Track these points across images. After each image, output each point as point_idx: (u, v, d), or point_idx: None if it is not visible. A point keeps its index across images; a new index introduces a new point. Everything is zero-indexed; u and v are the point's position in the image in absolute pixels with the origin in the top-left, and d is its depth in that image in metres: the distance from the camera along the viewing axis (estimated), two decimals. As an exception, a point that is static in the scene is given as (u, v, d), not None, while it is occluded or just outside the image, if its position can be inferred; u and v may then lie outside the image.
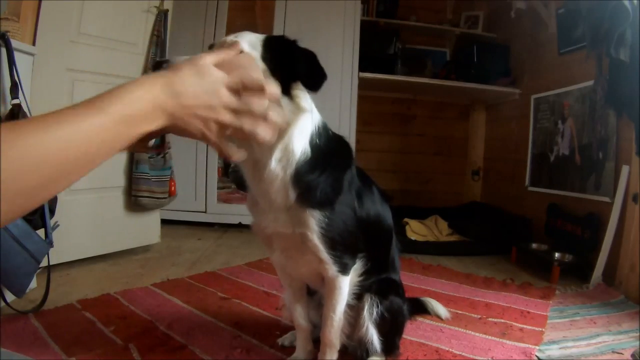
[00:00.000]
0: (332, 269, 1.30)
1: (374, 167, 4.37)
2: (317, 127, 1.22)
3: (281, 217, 1.24)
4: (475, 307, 2.17)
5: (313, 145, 1.20)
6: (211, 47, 1.19)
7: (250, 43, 1.09)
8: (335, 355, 1.44)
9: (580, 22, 2.92)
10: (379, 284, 1.47)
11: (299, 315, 1.52)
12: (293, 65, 1.10)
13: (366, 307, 1.43)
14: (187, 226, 3.73)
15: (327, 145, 1.24)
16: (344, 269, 1.32)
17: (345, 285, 1.36)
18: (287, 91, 1.11)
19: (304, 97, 1.16)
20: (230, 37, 1.10)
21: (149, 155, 2.82)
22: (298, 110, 1.14)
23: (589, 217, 2.87)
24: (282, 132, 1.12)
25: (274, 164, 1.16)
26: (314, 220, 1.21)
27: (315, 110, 1.22)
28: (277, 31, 3.78)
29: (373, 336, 1.42)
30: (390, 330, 1.48)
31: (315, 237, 1.23)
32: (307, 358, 1.54)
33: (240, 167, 1.24)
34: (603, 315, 2.13)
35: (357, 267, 1.37)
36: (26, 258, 1.72)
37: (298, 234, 1.23)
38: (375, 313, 1.43)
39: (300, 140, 1.17)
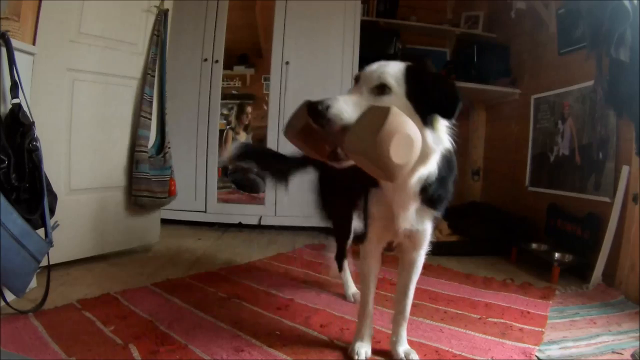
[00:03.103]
0: (422, 253, 1.56)
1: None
2: (449, 147, 1.35)
3: (410, 218, 1.42)
4: (475, 307, 2.17)
5: (438, 166, 1.33)
6: (357, 79, 1.28)
7: (395, 78, 1.20)
8: (405, 329, 1.63)
9: (580, 22, 2.92)
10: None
11: (371, 301, 1.63)
12: (431, 97, 1.18)
13: None
14: (187, 226, 3.73)
15: (445, 164, 1.36)
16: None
17: (421, 266, 1.59)
18: (428, 121, 1.21)
19: (442, 128, 1.27)
20: (377, 71, 1.21)
21: (148, 155, 2.82)
22: (438, 142, 1.26)
23: (589, 217, 2.87)
24: (424, 160, 1.25)
25: (414, 182, 1.31)
26: (431, 218, 1.46)
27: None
28: (277, 31, 3.78)
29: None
30: None
31: (429, 229, 1.48)
32: (369, 343, 1.63)
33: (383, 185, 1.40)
34: (603, 316, 2.13)
35: None
36: (26, 257, 1.72)
37: (420, 229, 1.46)
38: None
39: (434, 165, 1.31)
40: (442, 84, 1.22)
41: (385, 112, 1.07)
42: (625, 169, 2.60)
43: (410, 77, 1.19)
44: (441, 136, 1.27)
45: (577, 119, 3.11)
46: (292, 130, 1.33)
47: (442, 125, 1.28)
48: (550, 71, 3.50)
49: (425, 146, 1.20)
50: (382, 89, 1.21)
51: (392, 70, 1.22)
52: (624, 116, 2.60)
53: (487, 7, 4.47)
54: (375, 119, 1.08)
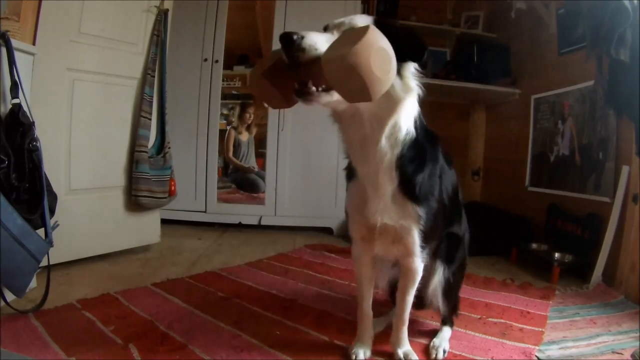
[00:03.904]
0: (416, 260, 1.45)
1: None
2: (417, 112, 1.30)
3: (388, 208, 1.33)
4: (475, 307, 2.17)
5: (415, 127, 1.29)
6: (326, 29, 1.26)
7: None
8: (406, 331, 1.60)
9: (580, 22, 2.92)
10: (447, 246, 1.66)
11: (368, 305, 1.62)
12: (399, 46, 1.12)
13: (436, 274, 1.65)
14: (187, 226, 3.73)
15: (424, 132, 1.33)
16: (424, 258, 1.47)
17: (421, 270, 1.50)
18: (397, 71, 1.16)
19: (411, 77, 1.23)
20: (347, 20, 1.22)
21: (148, 155, 2.82)
22: (407, 89, 1.22)
23: (589, 217, 2.87)
24: (393, 109, 1.21)
25: (384, 141, 1.25)
26: (415, 215, 1.34)
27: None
28: (277, 31, 3.79)
29: (439, 298, 1.67)
30: (453, 292, 1.74)
31: (414, 230, 1.36)
32: (369, 344, 1.63)
33: (349, 148, 1.35)
34: (603, 316, 2.13)
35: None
36: (26, 257, 1.72)
37: (400, 226, 1.35)
38: (443, 279, 1.65)
39: (406, 120, 1.26)
40: (408, 33, 1.20)
41: (365, 28, 1.04)
42: (625, 169, 2.60)
43: (378, 26, 1.11)
44: (409, 84, 1.23)
45: (577, 119, 3.11)
46: (257, 72, 1.25)
47: (410, 74, 1.24)
48: (550, 71, 3.50)
49: (393, 92, 1.18)
50: (339, 25, 1.22)
51: (362, 19, 1.22)
52: (624, 116, 2.60)
53: (487, 7, 4.47)
54: (355, 34, 1.05)
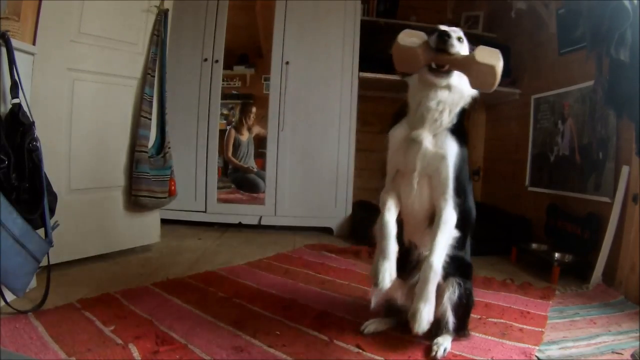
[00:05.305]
0: (448, 203, 1.59)
1: (374, 166, 4.36)
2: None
3: (430, 143, 1.60)
4: (475, 307, 2.16)
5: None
6: (432, 32, 1.57)
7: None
8: (435, 283, 1.55)
9: (580, 22, 2.91)
10: (459, 268, 1.69)
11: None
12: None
13: (448, 292, 1.66)
14: (187, 226, 3.73)
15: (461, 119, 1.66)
16: (454, 206, 1.59)
17: (453, 220, 1.59)
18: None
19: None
20: (453, 29, 1.59)
21: (149, 155, 2.83)
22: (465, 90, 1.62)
23: (589, 217, 2.87)
24: (459, 98, 1.62)
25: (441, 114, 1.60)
26: (451, 151, 1.59)
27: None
28: (277, 31, 3.79)
29: (449, 317, 1.65)
30: (464, 312, 1.72)
31: (449, 164, 1.58)
32: (390, 286, 1.59)
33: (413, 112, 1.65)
34: (603, 316, 2.13)
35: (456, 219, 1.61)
36: (26, 257, 1.72)
37: (440, 155, 1.58)
38: (455, 297, 1.66)
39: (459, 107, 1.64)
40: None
41: (497, 51, 1.53)
42: (625, 169, 2.60)
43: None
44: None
45: (577, 119, 3.11)
46: (406, 44, 1.57)
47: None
48: (550, 71, 3.50)
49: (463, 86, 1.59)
50: (460, 39, 1.59)
51: (457, 31, 1.61)
52: (624, 116, 2.59)
53: (487, 7, 4.47)
54: (495, 53, 1.53)
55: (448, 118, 1.61)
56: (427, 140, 1.59)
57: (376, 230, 1.67)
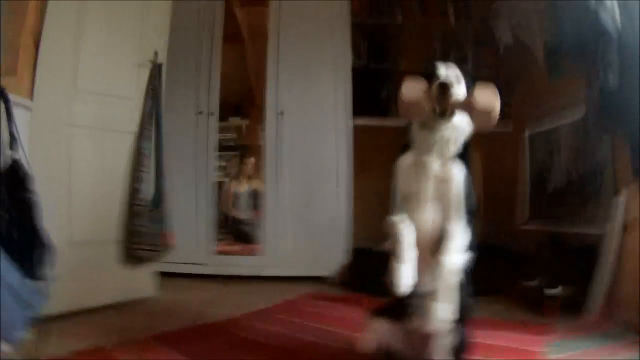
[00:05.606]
0: (456, 221, 1.59)
1: (374, 213, 4.28)
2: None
3: (439, 167, 1.63)
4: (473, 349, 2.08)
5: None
6: (432, 73, 1.64)
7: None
8: (448, 281, 1.53)
9: (567, 49, 2.96)
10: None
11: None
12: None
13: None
14: (186, 278, 3.65)
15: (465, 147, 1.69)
16: (462, 223, 1.59)
17: (460, 236, 1.57)
18: None
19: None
20: (451, 67, 1.65)
21: (148, 208, 2.81)
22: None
23: (586, 248, 2.78)
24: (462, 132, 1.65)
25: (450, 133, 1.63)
26: (459, 175, 1.61)
27: None
28: (270, 81, 3.86)
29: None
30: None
31: (459, 187, 1.60)
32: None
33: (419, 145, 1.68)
34: (602, 347, 2.07)
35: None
36: (22, 310, 1.67)
37: (449, 178, 1.61)
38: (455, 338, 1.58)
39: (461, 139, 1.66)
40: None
41: (494, 91, 1.57)
42: (621, 199, 2.55)
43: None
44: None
45: (571, 149, 3.10)
46: (410, 99, 1.62)
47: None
48: (541, 101, 3.52)
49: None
50: (457, 77, 1.63)
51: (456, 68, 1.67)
52: (618, 141, 2.59)
53: (475, 45, 4.54)
54: (493, 93, 1.57)
55: (454, 148, 1.65)
56: (436, 164, 1.62)
57: (388, 236, 1.62)
